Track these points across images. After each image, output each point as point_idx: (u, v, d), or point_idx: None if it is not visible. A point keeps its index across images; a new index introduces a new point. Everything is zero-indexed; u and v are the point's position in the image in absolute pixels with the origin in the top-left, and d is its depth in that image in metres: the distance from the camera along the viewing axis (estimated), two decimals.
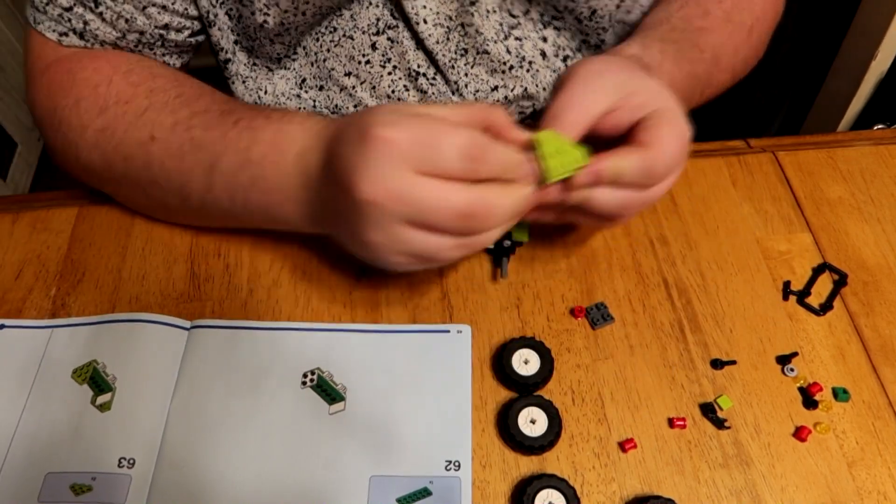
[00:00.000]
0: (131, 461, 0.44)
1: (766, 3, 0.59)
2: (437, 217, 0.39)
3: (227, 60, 0.60)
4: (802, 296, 0.52)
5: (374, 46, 0.55)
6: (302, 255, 0.54)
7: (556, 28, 0.56)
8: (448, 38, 0.54)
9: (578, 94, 0.43)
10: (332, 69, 0.57)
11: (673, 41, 0.53)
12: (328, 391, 0.48)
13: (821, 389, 0.47)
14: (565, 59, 0.59)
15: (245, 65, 0.60)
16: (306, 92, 0.59)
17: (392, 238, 0.40)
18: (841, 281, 0.52)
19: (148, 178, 0.50)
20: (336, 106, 0.59)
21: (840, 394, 0.47)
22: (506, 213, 0.41)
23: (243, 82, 0.61)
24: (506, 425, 0.45)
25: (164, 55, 0.56)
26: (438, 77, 0.56)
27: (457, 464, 0.44)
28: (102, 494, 0.43)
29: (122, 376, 0.47)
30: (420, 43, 0.54)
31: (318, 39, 0.56)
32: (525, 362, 0.48)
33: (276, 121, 0.46)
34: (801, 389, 0.48)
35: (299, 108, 0.60)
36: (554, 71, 0.59)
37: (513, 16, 0.54)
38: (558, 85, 0.45)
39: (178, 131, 0.48)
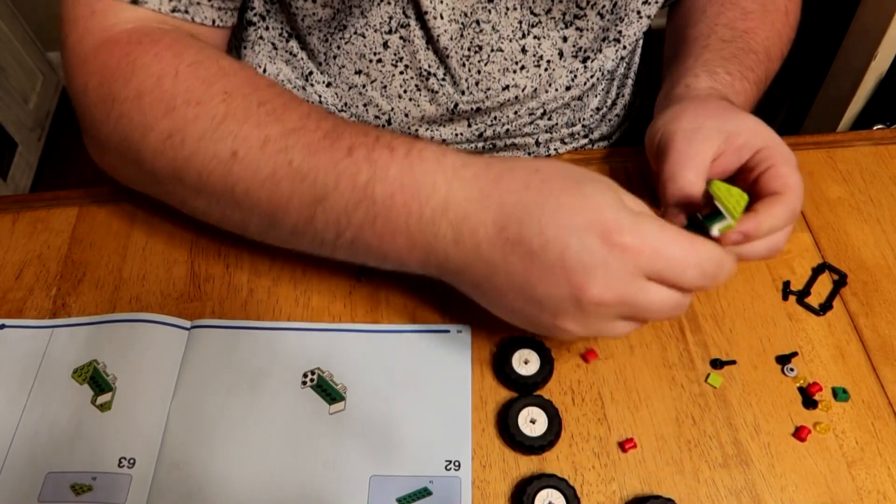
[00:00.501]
0: (132, 461, 0.44)
1: None
2: (651, 315, 0.40)
3: (251, 23, 0.57)
4: (802, 296, 0.52)
5: (385, 45, 0.55)
6: (302, 255, 0.54)
7: (577, 28, 0.56)
8: (462, 35, 0.54)
9: (685, 153, 0.46)
10: (343, 66, 0.57)
11: (732, 56, 0.55)
12: (328, 391, 0.48)
13: (820, 389, 0.47)
14: (585, 59, 0.59)
15: (264, 36, 0.58)
16: (312, 86, 0.59)
17: (592, 328, 0.40)
18: (840, 281, 0.52)
19: (229, 200, 0.44)
20: (345, 104, 0.59)
21: (840, 394, 0.47)
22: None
23: (255, 51, 0.58)
24: (506, 425, 0.45)
25: (217, 9, 0.50)
26: (448, 77, 0.56)
27: (457, 463, 0.45)
28: (103, 494, 0.43)
29: (122, 376, 0.47)
30: (431, 41, 0.54)
31: (326, 40, 0.56)
32: (525, 362, 0.48)
33: (404, 156, 0.41)
34: (800, 389, 0.48)
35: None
36: (571, 71, 0.59)
37: (534, 14, 0.54)
38: (662, 148, 0.48)
39: (269, 152, 0.41)
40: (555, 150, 0.64)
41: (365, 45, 0.55)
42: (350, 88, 0.58)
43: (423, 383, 0.48)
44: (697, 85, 0.53)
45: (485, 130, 0.60)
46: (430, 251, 0.41)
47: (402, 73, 0.56)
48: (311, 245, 0.45)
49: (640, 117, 0.72)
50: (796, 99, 1.33)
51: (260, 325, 0.51)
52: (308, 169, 0.41)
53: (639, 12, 0.58)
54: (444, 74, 0.56)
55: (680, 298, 0.40)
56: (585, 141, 0.66)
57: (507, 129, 0.60)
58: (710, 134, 0.47)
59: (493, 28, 0.54)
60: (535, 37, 0.56)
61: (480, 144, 0.61)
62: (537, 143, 0.63)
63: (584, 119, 0.64)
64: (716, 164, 0.47)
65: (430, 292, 0.52)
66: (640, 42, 0.68)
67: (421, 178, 0.40)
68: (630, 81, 0.68)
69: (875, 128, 1.08)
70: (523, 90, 0.58)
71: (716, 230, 0.43)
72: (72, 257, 0.55)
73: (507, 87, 0.57)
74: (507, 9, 0.53)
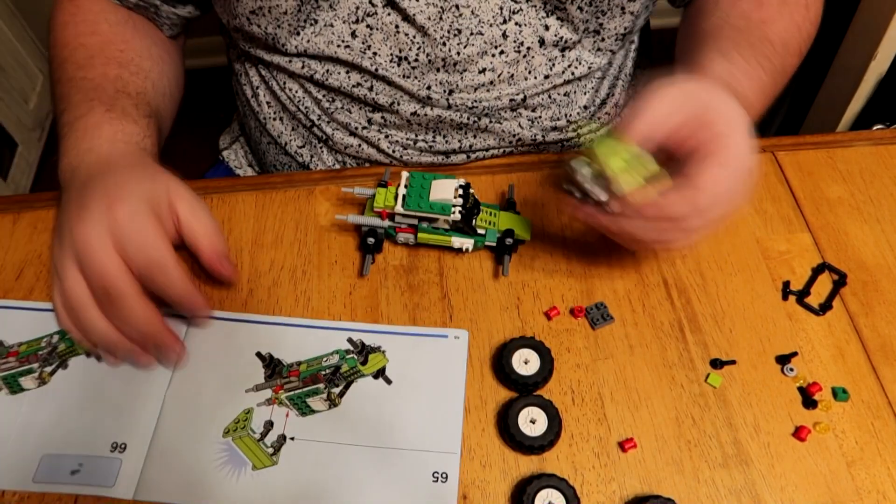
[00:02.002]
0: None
1: None
2: (63, 293, 0.48)
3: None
4: (802, 296, 0.52)
5: (353, 35, 0.56)
6: (302, 255, 0.55)
7: (558, 18, 0.56)
8: (441, 18, 0.54)
9: (651, 102, 0.44)
10: (314, 55, 0.59)
11: (747, 44, 0.54)
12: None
13: (820, 389, 0.47)
14: (564, 49, 0.59)
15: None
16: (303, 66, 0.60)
17: (58, 260, 0.48)
18: (840, 281, 0.52)
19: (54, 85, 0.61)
20: (327, 70, 0.60)
21: (839, 393, 0.47)
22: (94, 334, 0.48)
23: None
24: (506, 425, 0.45)
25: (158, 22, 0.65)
26: (422, 57, 0.57)
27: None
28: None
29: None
30: (409, 21, 0.55)
31: (298, 34, 0.56)
32: (525, 362, 0.48)
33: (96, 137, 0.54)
34: (800, 389, 0.48)
35: (294, 78, 0.63)
36: (549, 59, 0.59)
37: (515, 1, 0.55)
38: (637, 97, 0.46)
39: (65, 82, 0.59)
40: (542, 141, 0.63)
41: (333, 35, 0.56)
42: (326, 72, 0.60)
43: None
44: (713, 67, 0.51)
45: (464, 111, 0.60)
46: (70, 166, 0.53)
47: (370, 59, 0.57)
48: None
49: None
50: (796, 99, 1.33)
51: (259, 319, 0.51)
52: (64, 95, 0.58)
53: (622, 7, 0.58)
54: (417, 55, 0.56)
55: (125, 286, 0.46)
56: (574, 135, 0.66)
57: (487, 112, 0.60)
58: (681, 96, 0.44)
59: (472, 13, 0.55)
60: (516, 23, 0.56)
61: (469, 118, 0.60)
62: (520, 140, 0.62)
63: (570, 115, 0.64)
64: (677, 132, 0.44)
65: (430, 292, 0.53)
66: (634, 45, 0.68)
67: (95, 137, 0.53)
68: (621, 82, 0.68)
69: (875, 128, 1.08)
70: (499, 75, 0.58)
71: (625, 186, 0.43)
72: None
73: (483, 71, 0.57)
74: None
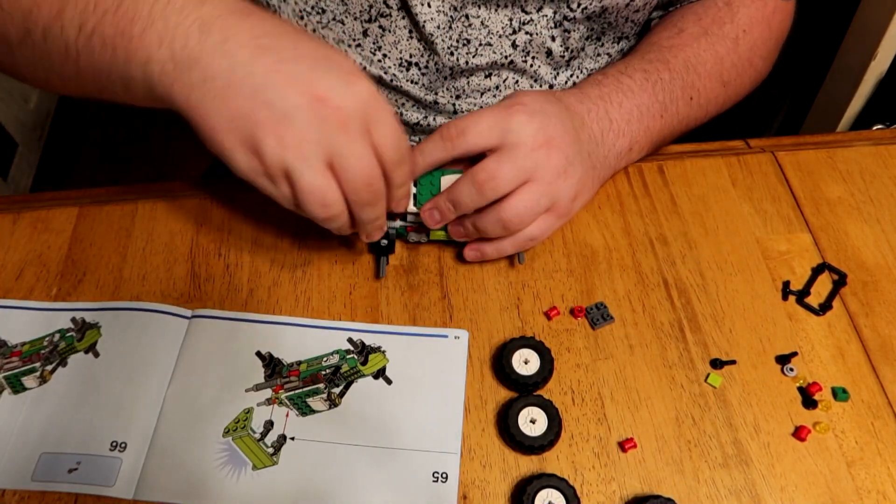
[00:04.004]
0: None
1: (753, 17, 0.60)
2: (354, 167, 0.41)
3: None
4: (802, 296, 0.52)
5: (365, 34, 0.55)
6: (302, 255, 0.55)
7: (565, 30, 0.56)
8: (451, 28, 0.54)
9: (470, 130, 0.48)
10: None
11: (648, 60, 0.56)
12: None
13: (820, 389, 0.47)
14: (570, 59, 0.59)
15: None
16: None
17: (303, 150, 0.40)
18: (840, 281, 0.52)
19: None
20: None
21: (839, 393, 0.47)
22: (371, 215, 0.45)
23: None
24: (506, 425, 0.45)
25: None
26: (431, 65, 0.56)
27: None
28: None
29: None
30: (417, 29, 0.55)
31: (302, 18, 0.56)
32: (525, 362, 0.48)
33: None
34: (800, 389, 0.48)
35: None
36: (555, 68, 0.60)
37: (525, 12, 0.55)
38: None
39: None
40: None
41: (344, 32, 0.55)
42: None
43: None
44: (592, 78, 0.55)
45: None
46: (167, 35, 0.39)
47: (380, 60, 0.57)
48: (56, 52, 0.43)
49: None
50: (796, 99, 1.33)
51: (260, 319, 0.51)
52: None
53: (628, 18, 0.58)
54: (427, 62, 0.56)
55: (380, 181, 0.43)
56: None
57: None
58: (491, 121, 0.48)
59: (482, 23, 0.55)
60: (526, 32, 0.56)
61: None
62: None
63: None
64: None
65: (430, 292, 0.53)
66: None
67: None
68: None
69: (875, 128, 1.08)
70: (504, 81, 0.58)
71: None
72: (72, 257, 0.55)
73: (489, 76, 0.58)
74: (499, 6, 0.54)
